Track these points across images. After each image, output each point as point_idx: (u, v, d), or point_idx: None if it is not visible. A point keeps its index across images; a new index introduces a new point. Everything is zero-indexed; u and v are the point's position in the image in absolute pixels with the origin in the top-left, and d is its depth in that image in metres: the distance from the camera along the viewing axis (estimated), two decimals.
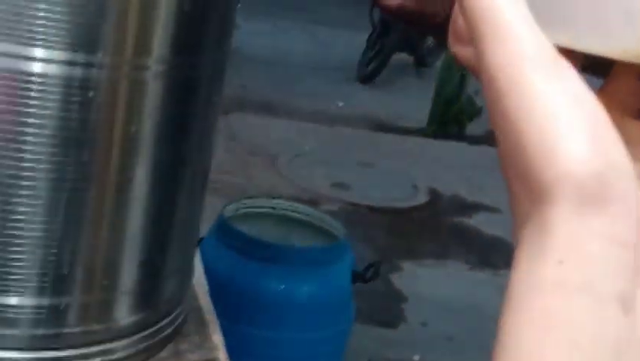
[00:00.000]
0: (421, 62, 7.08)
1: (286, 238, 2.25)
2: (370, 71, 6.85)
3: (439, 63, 6.52)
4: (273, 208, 2.40)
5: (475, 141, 6.06)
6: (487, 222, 4.46)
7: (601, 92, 0.32)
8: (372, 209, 4.27)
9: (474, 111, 6.13)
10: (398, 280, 3.61)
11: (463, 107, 6.07)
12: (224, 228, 2.14)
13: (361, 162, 4.78)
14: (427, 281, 3.66)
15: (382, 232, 4.12)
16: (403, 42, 7.05)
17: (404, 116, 5.85)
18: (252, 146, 4.73)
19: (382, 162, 4.74)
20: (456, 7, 0.30)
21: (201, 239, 2.19)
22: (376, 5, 0.96)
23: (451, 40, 0.33)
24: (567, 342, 0.26)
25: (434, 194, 4.76)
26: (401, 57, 6.89)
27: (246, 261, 2.07)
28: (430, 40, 7.43)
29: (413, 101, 5.54)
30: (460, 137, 6.02)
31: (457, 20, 0.32)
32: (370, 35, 7.12)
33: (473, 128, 6.16)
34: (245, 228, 2.15)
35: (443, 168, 5.28)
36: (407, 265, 3.78)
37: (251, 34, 7.38)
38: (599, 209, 0.27)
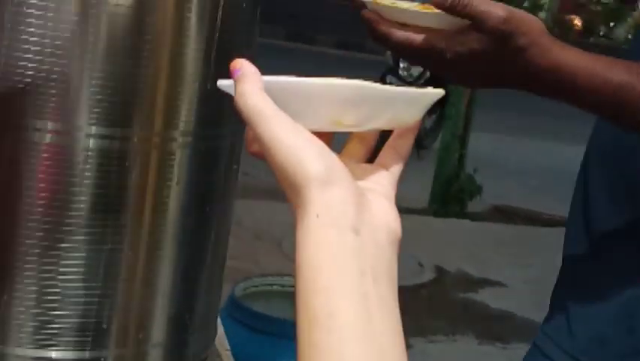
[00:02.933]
0: (420, 144, 7.22)
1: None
2: None
3: (436, 144, 6.66)
4: (282, 286, 2.46)
5: (476, 217, 6.14)
6: (493, 296, 4.50)
7: (340, 155, 0.58)
8: None
9: (474, 189, 6.23)
10: (409, 358, 3.62)
11: (463, 186, 6.16)
12: (235, 306, 2.20)
13: None
14: (437, 358, 3.67)
15: None
16: None
17: (406, 197, 5.94)
18: (257, 231, 4.81)
19: None
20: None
21: None
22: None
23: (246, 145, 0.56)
24: (327, 255, 0.49)
25: (440, 271, 4.81)
26: None
27: (257, 336, 2.12)
28: (427, 123, 7.60)
29: (414, 182, 5.64)
30: (462, 214, 6.10)
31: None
32: None
33: (474, 205, 6.26)
34: (255, 305, 2.21)
35: (447, 245, 5.34)
36: (417, 342, 3.80)
37: None
38: (330, 186, 0.50)
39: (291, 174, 0.50)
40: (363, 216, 0.51)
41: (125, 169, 0.87)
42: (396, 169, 0.60)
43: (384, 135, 0.60)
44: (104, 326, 0.91)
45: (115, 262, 0.90)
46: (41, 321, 0.89)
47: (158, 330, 0.97)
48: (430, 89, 0.58)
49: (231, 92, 0.53)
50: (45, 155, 0.85)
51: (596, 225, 1.12)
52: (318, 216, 0.49)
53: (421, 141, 7.37)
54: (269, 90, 0.52)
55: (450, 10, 0.85)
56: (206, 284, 1.03)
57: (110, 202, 0.87)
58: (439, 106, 7.17)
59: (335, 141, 0.59)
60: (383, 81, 7.34)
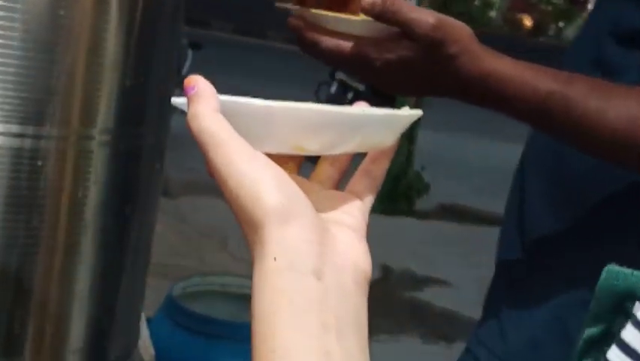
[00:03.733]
0: None
1: (236, 315, 2.27)
2: None
3: None
4: (223, 286, 2.42)
5: (423, 216, 6.18)
6: (438, 295, 4.53)
7: (310, 178, 0.56)
8: None
9: (422, 187, 6.27)
10: None
11: (411, 184, 6.20)
12: (173, 306, 2.16)
13: None
14: (380, 357, 3.68)
15: None
16: None
17: None
18: (202, 228, 4.76)
19: None
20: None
21: (149, 320, 2.21)
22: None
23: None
24: (285, 307, 0.44)
25: (386, 269, 4.83)
26: None
27: (195, 339, 2.08)
28: None
29: None
30: (409, 212, 6.13)
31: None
32: None
33: (422, 203, 6.30)
34: (194, 306, 2.17)
35: (394, 243, 5.36)
36: None
37: None
38: (288, 223, 0.45)
39: (247, 208, 0.46)
40: (327, 257, 0.46)
41: (37, 168, 0.83)
42: (369, 197, 0.55)
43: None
44: (17, 331, 0.87)
45: (28, 265, 0.86)
46: None
47: (76, 335, 0.94)
48: (402, 111, 0.53)
49: (185, 109, 0.49)
50: None
51: (530, 229, 1.12)
52: (275, 259, 0.45)
53: None
54: (225, 112, 0.48)
55: (379, 17, 0.84)
56: (127, 287, 1.00)
57: (20, 203, 0.83)
58: (387, 104, 7.20)
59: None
60: (332, 77, 7.36)
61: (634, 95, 0.84)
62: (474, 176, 7.37)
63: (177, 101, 0.51)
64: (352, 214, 0.52)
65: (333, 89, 7.29)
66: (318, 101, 7.36)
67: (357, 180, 0.55)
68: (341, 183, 0.58)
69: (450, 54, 0.84)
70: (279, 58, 11.84)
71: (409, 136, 6.19)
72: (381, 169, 0.56)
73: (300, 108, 0.48)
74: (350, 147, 0.51)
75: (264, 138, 0.48)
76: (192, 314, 2.07)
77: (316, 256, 0.45)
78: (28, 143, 0.82)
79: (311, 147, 0.49)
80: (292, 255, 0.45)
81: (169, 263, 3.79)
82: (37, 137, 0.83)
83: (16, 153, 0.82)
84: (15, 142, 0.82)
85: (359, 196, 0.54)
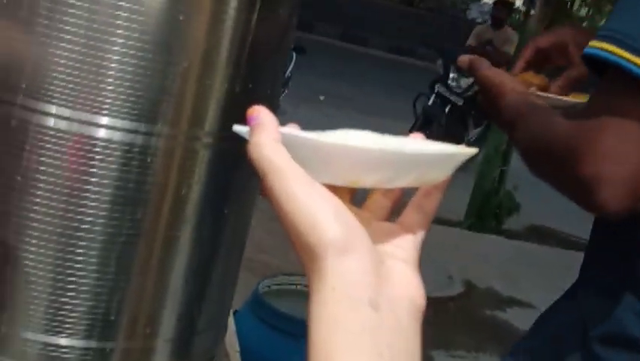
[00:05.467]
0: None
1: None
2: None
3: (479, 157, 6.60)
4: (306, 286, 2.44)
5: (512, 235, 6.08)
6: (519, 316, 4.44)
7: (363, 206, 0.56)
8: None
9: (513, 207, 6.15)
10: None
11: (502, 202, 6.10)
12: (258, 303, 2.20)
13: None
14: None
15: None
16: (445, 135, 7.16)
17: (442, 208, 5.87)
18: None
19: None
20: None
21: (236, 311, 2.25)
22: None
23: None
24: (342, 336, 0.45)
25: (469, 286, 4.77)
26: None
27: (278, 336, 2.11)
28: (472, 134, 7.54)
29: (451, 193, 5.56)
30: (497, 231, 6.03)
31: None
32: (412, 127, 7.25)
33: (511, 223, 6.19)
34: (279, 304, 2.20)
35: (479, 260, 5.29)
36: (438, 355, 3.77)
37: (295, 119, 7.53)
38: (347, 254, 0.46)
39: (305, 237, 0.46)
40: (383, 289, 0.47)
41: (146, 164, 0.87)
42: (421, 231, 0.55)
43: None
44: (112, 317, 0.91)
45: (129, 255, 0.90)
46: (52, 308, 0.90)
47: (167, 326, 0.98)
48: (460, 149, 0.54)
49: (247, 137, 0.50)
50: (67, 143, 0.85)
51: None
52: (334, 289, 0.45)
53: None
54: (286, 144, 0.48)
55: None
56: (219, 284, 1.03)
57: (127, 195, 0.87)
58: (485, 118, 7.11)
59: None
60: (432, 89, 7.32)
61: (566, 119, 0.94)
62: (566, 199, 7.19)
63: (239, 129, 0.52)
64: (405, 248, 0.53)
65: (432, 101, 7.25)
66: (416, 111, 7.31)
67: (409, 214, 0.56)
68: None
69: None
70: (381, 66, 11.84)
71: (504, 154, 6.09)
72: (433, 203, 0.56)
73: (358, 148, 0.48)
74: (404, 182, 0.52)
75: (321, 171, 0.49)
76: (277, 312, 2.10)
77: (373, 287, 0.46)
78: (139, 139, 0.86)
79: (366, 183, 0.50)
80: (350, 286, 0.46)
81: (255, 259, 3.84)
82: (148, 134, 0.87)
83: (128, 149, 0.86)
84: (128, 138, 0.86)
85: (411, 230, 0.54)
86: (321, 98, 8.70)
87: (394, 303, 0.47)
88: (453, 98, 7.16)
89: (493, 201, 6.08)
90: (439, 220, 5.93)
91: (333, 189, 0.49)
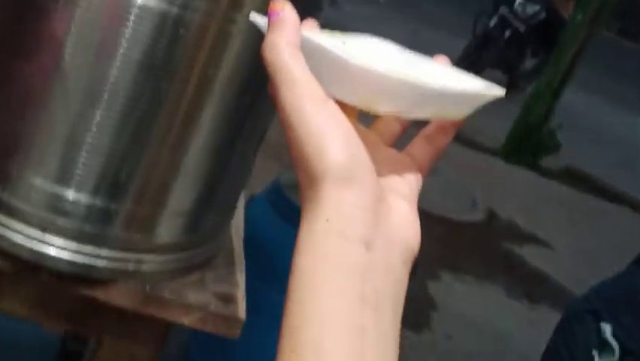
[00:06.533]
0: (513, 84, 7.04)
1: None
2: None
3: (529, 90, 6.48)
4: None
5: (545, 173, 6.03)
6: (535, 254, 4.46)
7: (372, 126, 0.54)
8: (426, 213, 4.30)
9: (553, 145, 6.08)
10: (434, 288, 3.64)
11: (543, 139, 6.02)
12: (276, 192, 2.21)
13: None
14: (461, 297, 3.68)
15: (431, 238, 4.14)
16: (500, 60, 7.02)
17: (482, 133, 5.84)
18: None
19: (448, 171, 4.78)
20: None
21: (253, 197, 2.28)
22: None
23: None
24: (331, 268, 0.42)
25: (491, 215, 4.78)
26: (493, 74, 6.87)
27: (288, 228, 2.14)
28: (528, 64, 7.37)
29: (495, 119, 5.54)
30: (533, 166, 5.98)
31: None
32: (468, 45, 7.09)
33: (547, 161, 6.12)
34: (296, 197, 2.22)
35: (507, 192, 5.27)
36: (446, 276, 3.81)
37: (352, 17, 7.43)
38: (348, 186, 0.43)
39: (310, 158, 0.43)
40: (380, 229, 0.44)
41: (177, 37, 0.86)
42: (428, 165, 0.52)
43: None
44: (122, 181, 0.93)
45: (147, 123, 0.91)
46: (65, 159, 0.91)
47: (177, 199, 0.98)
48: (486, 89, 0.50)
49: (263, 30, 0.47)
50: (104, 2, 0.85)
51: None
52: (328, 220, 0.43)
53: (516, 81, 7.18)
54: (304, 49, 0.45)
55: None
56: (234, 167, 1.04)
57: (154, 64, 0.87)
58: (544, 50, 6.94)
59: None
60: (495, 10, 7.12)
61: None
62: (610, 148, 7.08)
63: (257, 19, 0.48)
64: (409, 182, 0.50)
65: (493, 22, 7.06)
66: (475, 29, 7.13)
67: (419, 145, 0.53)
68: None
69: None
70: None
71: (555, 91, 5.96)
72: (446, 139, 0.53)
73: (379, 73, 0.45)
74: (421, 115, 0.49)
75: (337, 86, 0.46)
76: (292, 205, 2.12)
77: (369, 226, 0.44)
78: (175, 10, 0.85)
79: (381, 110, 0.47)
80: (345, 220, 0.43)
81: (285, 147, 3.86)
82: (184, 6, 0.85)
83: (162, 17, 0.85)
84: (163, 6, 0.85)
85: (418, 162, 0.52)
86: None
87: (388, 245, 0.45)
88: (516, 23, 6.97)
89: (534, 136, 6.00)
90: (475, 144, 5.89)
91: (342, 105, 0.46)
